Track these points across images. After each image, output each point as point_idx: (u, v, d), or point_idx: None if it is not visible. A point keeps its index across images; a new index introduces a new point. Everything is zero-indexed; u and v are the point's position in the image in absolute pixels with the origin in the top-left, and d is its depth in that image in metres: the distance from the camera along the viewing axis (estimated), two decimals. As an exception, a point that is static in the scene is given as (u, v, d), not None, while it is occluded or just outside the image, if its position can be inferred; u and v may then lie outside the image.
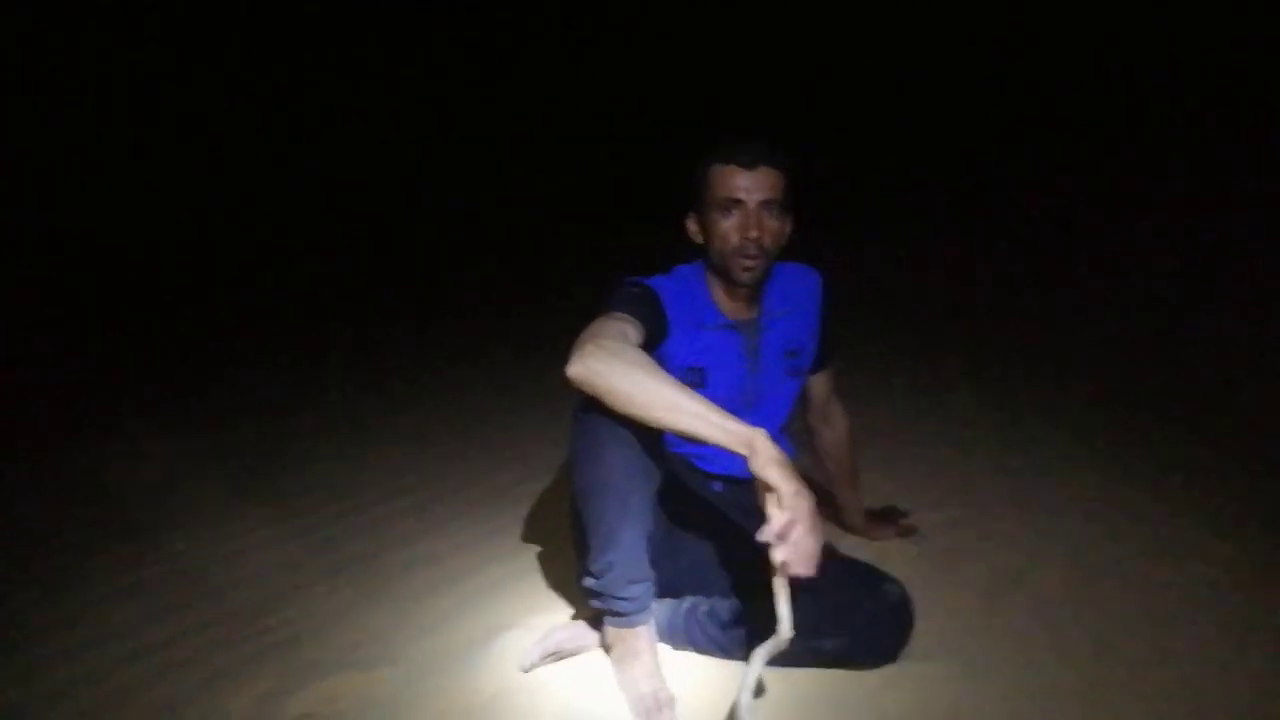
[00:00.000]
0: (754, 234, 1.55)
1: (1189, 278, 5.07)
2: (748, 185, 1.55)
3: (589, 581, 1.46)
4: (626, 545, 1.40)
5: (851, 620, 1.46)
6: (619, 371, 1.22)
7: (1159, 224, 5.73)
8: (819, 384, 1.93)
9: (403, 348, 4.70)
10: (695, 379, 1.64)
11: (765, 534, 1.17)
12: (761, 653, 1.26)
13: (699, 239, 1.65)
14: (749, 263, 1.57)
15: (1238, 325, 4.40)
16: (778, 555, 1.16)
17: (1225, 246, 5.14)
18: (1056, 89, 6.98)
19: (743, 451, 1.18)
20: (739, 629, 1.53)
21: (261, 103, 9.12)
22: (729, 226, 1.56)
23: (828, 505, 2.21)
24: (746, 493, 1.72)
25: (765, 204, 1.56)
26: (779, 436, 1.77)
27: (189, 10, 8.35)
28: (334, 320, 5.46)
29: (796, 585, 1.21)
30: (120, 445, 3.02)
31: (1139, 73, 6.44)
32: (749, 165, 1.55)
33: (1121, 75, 6.54)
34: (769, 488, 1.18)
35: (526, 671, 1.57)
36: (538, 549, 2.13)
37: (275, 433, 3.15)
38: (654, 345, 1.57)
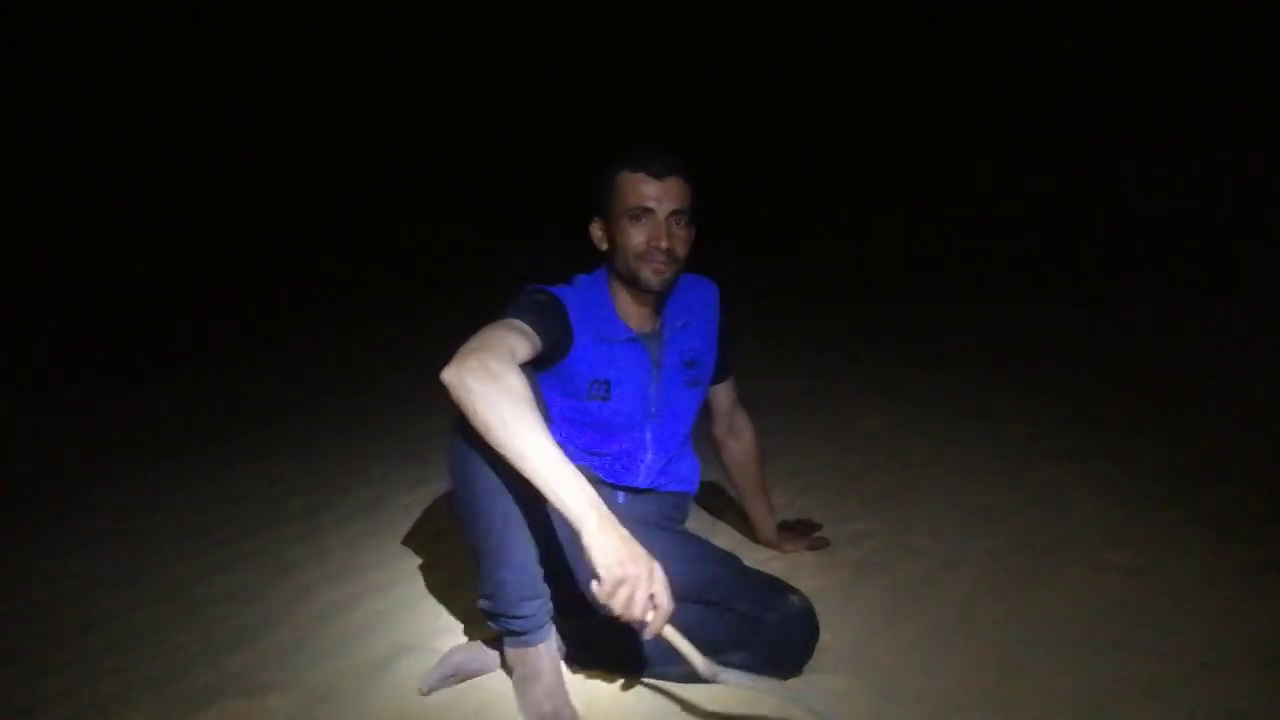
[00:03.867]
0: (665, 243, 1.54)
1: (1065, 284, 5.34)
2: (658, 194, 1.54)
3: (482, 603, 1.42)
4: (516, 563, 1.36)
5: (755, 633, 1.44)
6: (488, 397, 1.18)
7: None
8: (721, 395, 1.92)
9: (291, 363, 4.57)
10: (600, 391, 1.62)
11: (595, 595, 1.13)
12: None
13: (603, 245, 1.63)
14: (659, 267, 1.56)
15: (1136, 318, 4.60)
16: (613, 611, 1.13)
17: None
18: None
19: (574, 524, 1.14)
20: (642, 644, 1.50)
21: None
22: (638, 234, 1.55)
23: (738, 519, 2.21)
24: (650, 504, 1.71)
25: (675, 213, 1.55)
26: (683, 447, 1.76)
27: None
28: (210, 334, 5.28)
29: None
30: None
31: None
32: (659, 175, 1.54)
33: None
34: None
35: (426, 694, 1.51)
36: (439, 569, 2.06)
37: (169, 453, 3.03)
38: (556, 357, 1.54)
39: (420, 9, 10.39)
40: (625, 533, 1.15)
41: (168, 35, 8.50)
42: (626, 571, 1.11)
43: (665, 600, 1.14)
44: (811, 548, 2.11)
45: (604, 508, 1.16)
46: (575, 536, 1.14)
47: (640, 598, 1.11)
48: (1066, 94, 7.12)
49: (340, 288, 7.16)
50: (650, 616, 1.13)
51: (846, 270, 7.35)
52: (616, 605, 1.10)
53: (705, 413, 1.88)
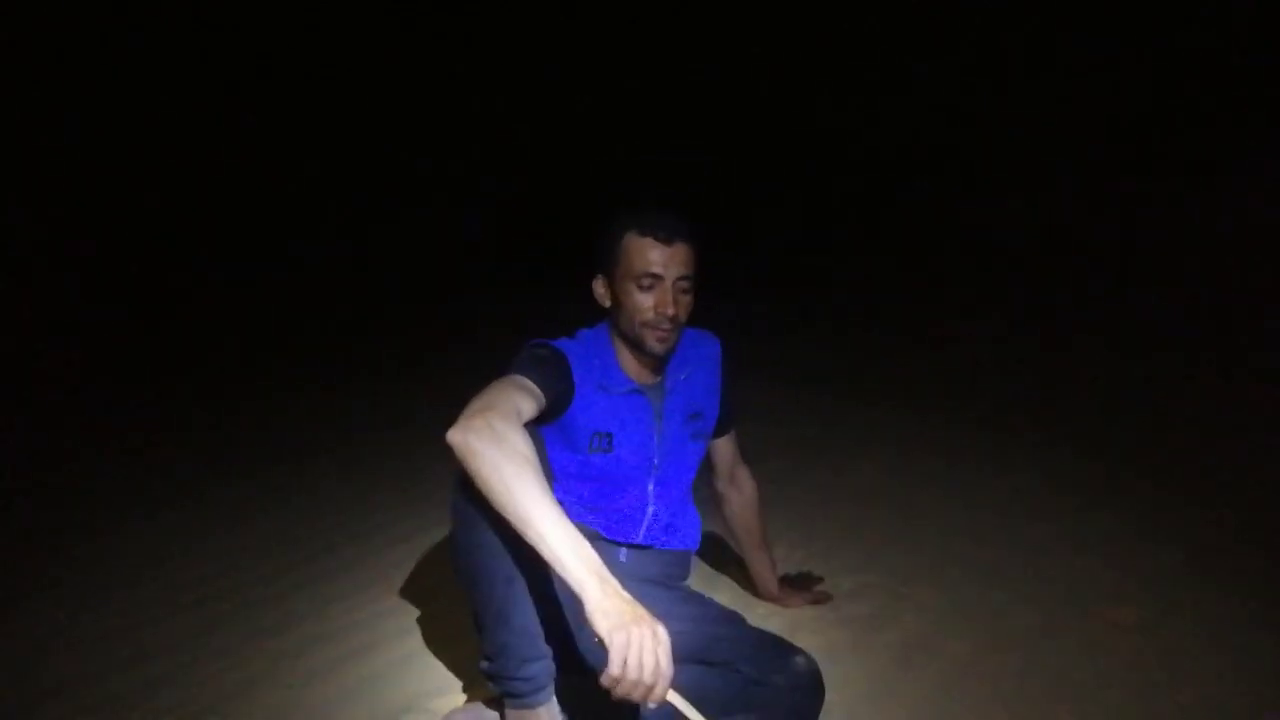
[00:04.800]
0: (671, 311, 1.54)
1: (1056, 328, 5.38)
2: (665, 260, 1.54)
3: (484, 664, 1.40)
4: (518, 625, 1.34)
5: (760, 696, 1.42)
6: (492, 460, 1.17)
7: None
8: (723, 448, 1.92)
9: (289, 418, 4.53)
10: (602, 444, 1.61)
11: (605, 680, 1.10)
12: None
13: (606, 303, 1.63)
14: (663, 335, 1.56)
15: (1135, 369, 4.62)
16: (623, 693, 1.10)
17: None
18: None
19: (576, 590, 1.12)
20: (647, 707, 1.47)
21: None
22: (645, 301, 1.55)
23: (740, 573, 2.19)
24: (653, 561, 1.69)
25: (680, 279, 1.55)
26: (684, 501, 1.75)
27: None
28: (217, 396, 5.25)
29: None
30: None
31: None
32: (668, 240, 1.54)
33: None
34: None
35: (423, 759, 1.48)
36: (438, 627, 2.03)
37: (169, 502, 2.98)
38: (558, 410, 1.54)
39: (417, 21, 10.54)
40: (628, 596, 1.13)
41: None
42: (630, 635, 1.09)
43: (666, 664, 1.12)
44: (813, 602, 2.09)
45: (606, 572, 1.14)
46: (577, 603, 1.13)
47: (648, 661, 1.09)
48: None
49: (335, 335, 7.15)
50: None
51: (840, 307, 7.39)
52: (626, 672, 1.08)
53: (706, 466, 1.87)
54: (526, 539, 1.15)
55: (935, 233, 7.81)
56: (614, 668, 1.08)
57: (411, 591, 2.24)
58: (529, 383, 1.40)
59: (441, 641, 1.94)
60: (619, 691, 1.09)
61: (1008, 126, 7.50)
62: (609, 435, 1.61)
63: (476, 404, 1.27)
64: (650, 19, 10.41)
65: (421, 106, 10.42)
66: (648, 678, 1.08)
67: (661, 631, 1.11)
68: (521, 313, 6.75)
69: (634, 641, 1.08)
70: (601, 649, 1.10)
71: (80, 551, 2.54)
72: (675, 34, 10.40)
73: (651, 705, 1.13)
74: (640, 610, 1.12)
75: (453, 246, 9.80)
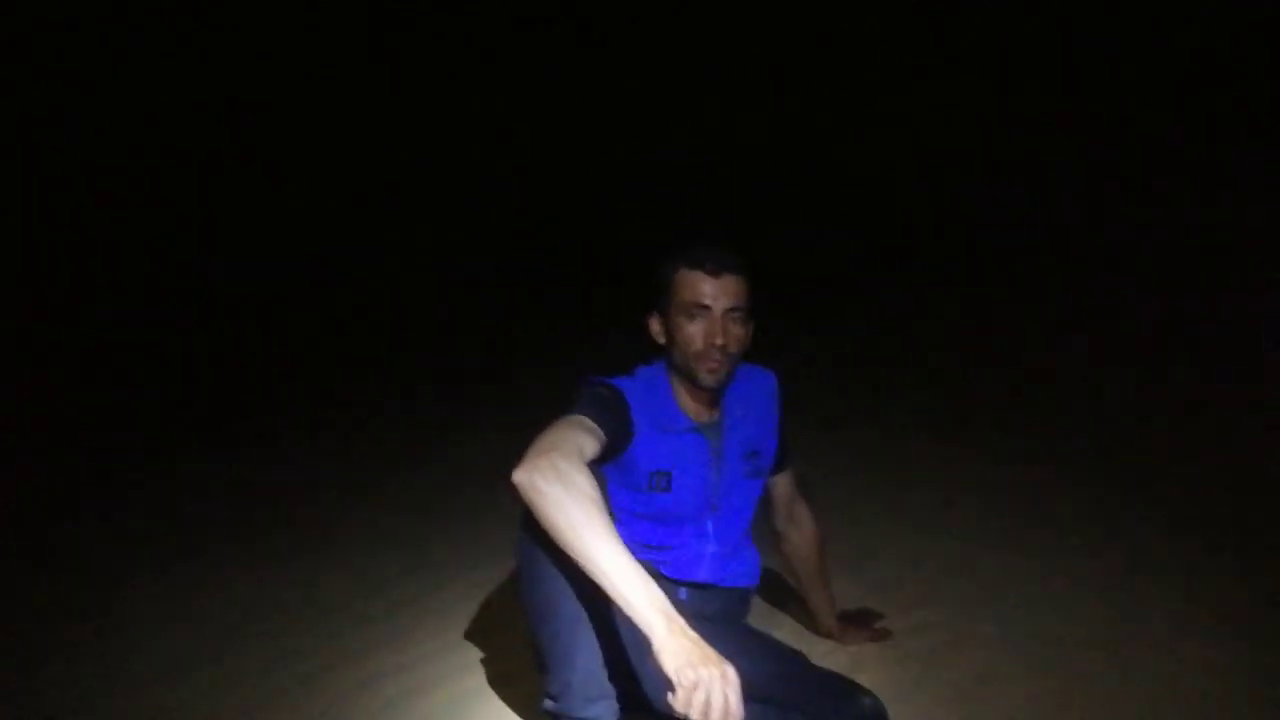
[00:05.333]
0: (720, 340, 1.57)
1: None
2: (714, 292, 1.57)
3: (548, 703, 1.42)
4: (583, 664, 1.36)
5: (827, 736, 1.41)
6: (558, 501, 1.20)
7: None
8: (781, 485, 1.93)
9: (358, 433, 4.58)
10: (662, 483, 1.63)
11: (672, 704, 1.11)
12: None
13: (661, 339, 1.67)
14: (714, 366, 1.58)
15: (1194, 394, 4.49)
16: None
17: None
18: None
19: (643, 629, 1.13)
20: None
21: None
22: (695, 332, 1.58)
23: (799, 609, 2.18)
24: (713, 599, 1.70)
25: (730, 311, 1.58)
26: (744, 539, 1.75)
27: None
28: (280, 413, 5.33)
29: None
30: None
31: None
32: (716, 273, 1.58)
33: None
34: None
35: (489, 797, 1.49)
36: (497, 663, 2.05)
37: (227, 527, 3.04)
38: (618, 449, 1.56)
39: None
40: (695, 635, 1.15)
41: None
42: (699, 675, 1.10)
43: (736, 705, 1.12)
44: (873, 639, 2.08)
45: (673, 610, 1.15)
46: (645, 642, 1.14)
47: (716, 701, 1.10)
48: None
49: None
50: None
51: (880, 333, 7.29)
52: (695, 713, 1.09)
53: (764, 504, 1.87)
54: (592, 577, 1.17)
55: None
56: (681, 707, 1.09)
57: (473, 629, 2.26)
58: (590, 422, 1.43)
59: (503, 680, 1.96)
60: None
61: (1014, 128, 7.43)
62: (668, 474, 1.63)
63: (540, 444, 1.30)
64: (650, 19, 10.47)
65: (420, 106, 10.52)
66: (717, 718, 1.09)
67: (730, 672, 1.12)
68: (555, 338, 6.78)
69: (703, 681, 1.09)
70: (669, 689, 1.11)
71: (159, 571, 2.61)
72: (675, 34, 10.45)
73: None
74: (708, 650, 1.13)
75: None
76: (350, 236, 9.28)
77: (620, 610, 1.16)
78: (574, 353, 6.08)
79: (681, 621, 1.15)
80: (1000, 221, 7.41)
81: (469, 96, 10.75)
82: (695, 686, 1.09)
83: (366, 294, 8.32)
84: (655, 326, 1.68)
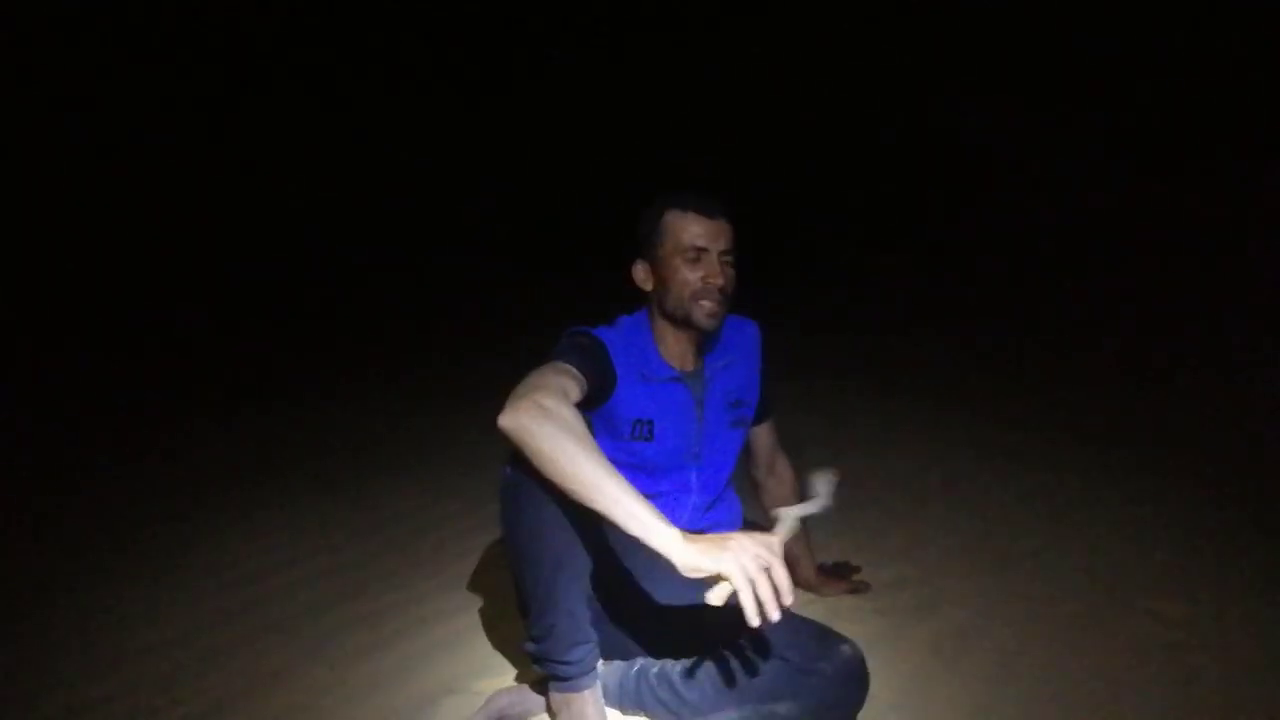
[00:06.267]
0: (719, 281, 1.56)
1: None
2: (711, 234, 1.57)
3: (530, 646, 1.41)
4: (566, 608, 1.35)
5: (806, 683, 1.42)
6: (549, 434, 1.18)
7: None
8: (762, 436, 1.92)
9: (341, 397, 4.61)
10: (643, 431, 1.61)
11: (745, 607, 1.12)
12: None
13: (647, 286, 1.64)
14: (713, 308, 1.57)
15: (1168, 352, 4.54)
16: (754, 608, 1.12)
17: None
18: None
19: (658, 549, 1.14)
20: (691, 691, 1.48)
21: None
22: (693, 274, 1.57)
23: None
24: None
25: (724, 253, 1.58)
26: (726, 489, 1.75)
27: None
28: (273, 372, 5.34)
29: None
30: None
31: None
32: (711, 215, 1.58)
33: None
34: (713, 576, 1.13)
35: (468, 739, 1.50)
36: (481, 606, 2.05)
37: (207, 482, 3.05)
38: (600, 398, 1.54)
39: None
40: (707, 536, 1.16)
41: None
42: (738, 556, 1.12)
43: (778, 564, 1.15)
44: (851, 591, 2.09)
45: (677, 529, 1.16)
46: (662, 560, 1.14)
47: (764, 560, 1.12)
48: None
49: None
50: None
51: (872, 303, 7.34)
52: (760, 588, 1.10)
53: (744, 454, 1.87)
54: (595, 507, 1.16)
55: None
56: (717, 600, 1.12)
57: (456, 574, 2.27)
58: (570, 367, 1.41)
59: (486, 623, 1.97)
60: (755, 616, 1.11)
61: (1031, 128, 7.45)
62: (650, 423, 1.62)
63: (522, 388, 1.28)
64: (653, 18, 10.41)
65: (421, 107, 10.47)
66: (767, 594, 1.11)
67: (755, 536, 1.15)
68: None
69: (744, 557, 1.12)
70: (706, 589, 1.14)
71: (157, 527, 2.60)
72: (675, 33, 10.40)
73: (786, 604, 1.14)
74: (723, 537, 1.15)
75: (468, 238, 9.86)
76: (358, 235, 9.30)
77: (616, 541, 1.16)
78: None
79: (689, 535, 1.16)
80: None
81: (474, 97, 10.69)
82: (739, 566, 1.11)
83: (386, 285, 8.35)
84: (640, 273, 1.65)
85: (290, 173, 9.21)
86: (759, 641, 1.48)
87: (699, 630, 1.53)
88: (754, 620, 1.11)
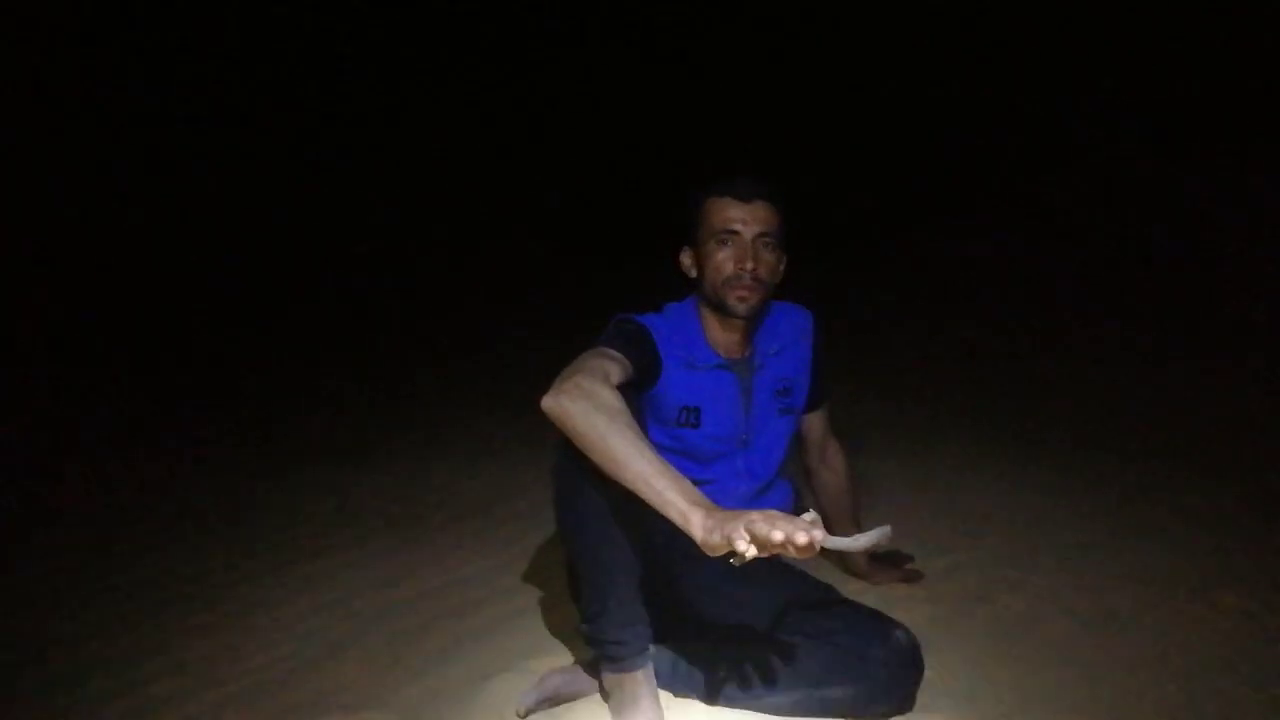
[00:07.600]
0: (749, 265, 1.55)
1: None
2: (744, 217, 1.56)
3: (583, 627, 1.43)
4: (619, 588, 1.37)
5: (861, 668, 1.41)
6: (585, 414, 1.21)
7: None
8: (814, 423, 1.91)
9: (395, 380, 4.69)
10: (690, 419, 1.62)
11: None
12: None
13: (692, 273, 1.65)
14: (744, 293, 1.57)
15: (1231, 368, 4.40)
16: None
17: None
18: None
19: (680, 524, 1.12)
20: (744, 674, 1.49)
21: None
22: (725, 257, 1.57)
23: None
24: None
25: (760, 236, 1.57)
26: (777, 476, 1.74)
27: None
28: (323, 353, 5.45)
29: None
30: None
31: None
32: (746, 198, 1.57)
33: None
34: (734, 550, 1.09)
35: (523, 717, 1.51)
36: (537, 587, 2.08)
37: (258, 461, 3.14)
38: (646, 384, 1.55)
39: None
40: (729, 510, 1.12)
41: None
42: (740, 521, 1.07)
43: (786, 526, 1.06)
44: (904, 580, 2.07)
45: (710, 503, 1.14)
46: (685, 535, 1.12)
47: (765, 531, 1.06)
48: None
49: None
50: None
51: (927, 289, 7.22)
52: (774, 534, 1.04)
53: (797, 441, 1.86)
54: (626, 484, 1.17)
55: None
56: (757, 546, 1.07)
57: (514, 553, 2.30)
58: (615, 353, 1.42)
59: (542, 603, 1.99)
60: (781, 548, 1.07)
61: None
62: (696, 410, 1.62)
63: (566, 372, 1.30)
64: (666, 19, 10.41)
65: (436, 111, 10.57)
66: (788, 532, 1.05)
67: (761, 514, 1.09)
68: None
69: (751, 524, 1.07)
70: (729, 559, 1.10)
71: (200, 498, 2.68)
72: (682, 34, 10.39)
73: (822, 546, 1.09)
74: (740, 509, 1.11)
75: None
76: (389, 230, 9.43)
77: (666, 525, 1.15)
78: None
79: (717, 507, 1.13)
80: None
81: (492, 95, 10.80)
82: (742, 532, 1.07)
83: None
84: (686, 260, 1.67)
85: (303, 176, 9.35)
86: (812, 625, 1.48)
87: (751, 613, 1.53)
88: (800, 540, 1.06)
